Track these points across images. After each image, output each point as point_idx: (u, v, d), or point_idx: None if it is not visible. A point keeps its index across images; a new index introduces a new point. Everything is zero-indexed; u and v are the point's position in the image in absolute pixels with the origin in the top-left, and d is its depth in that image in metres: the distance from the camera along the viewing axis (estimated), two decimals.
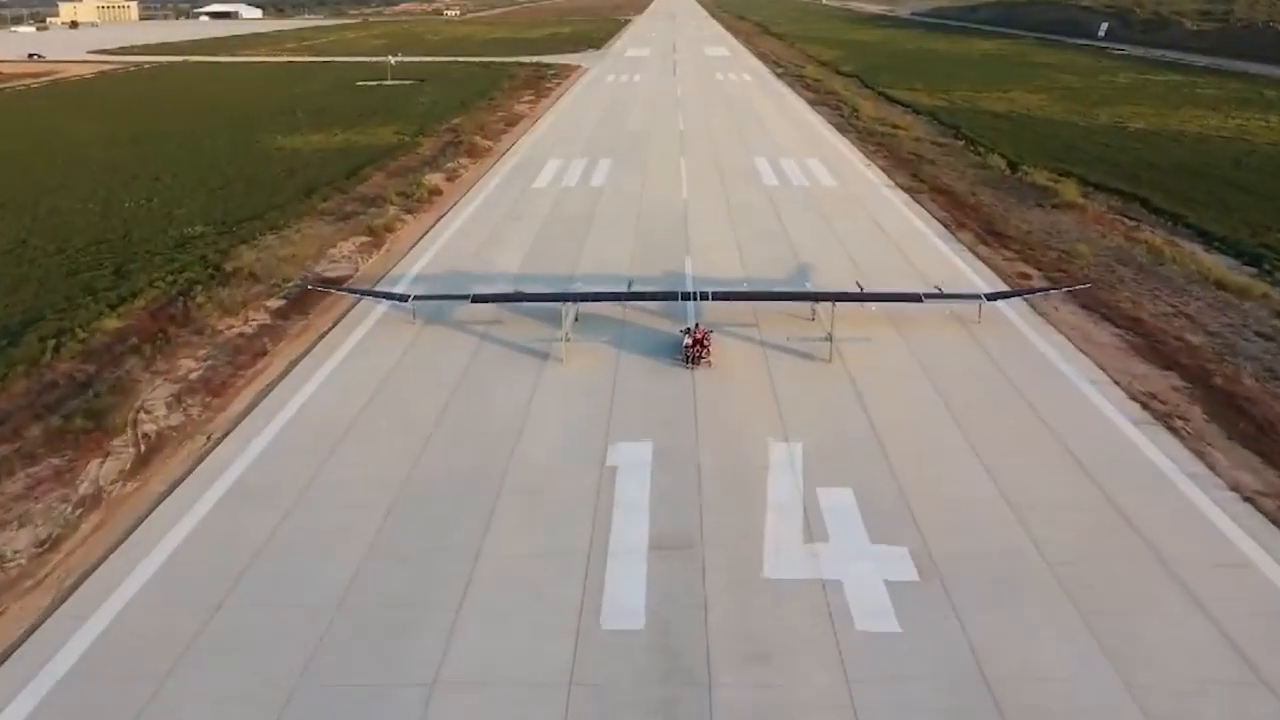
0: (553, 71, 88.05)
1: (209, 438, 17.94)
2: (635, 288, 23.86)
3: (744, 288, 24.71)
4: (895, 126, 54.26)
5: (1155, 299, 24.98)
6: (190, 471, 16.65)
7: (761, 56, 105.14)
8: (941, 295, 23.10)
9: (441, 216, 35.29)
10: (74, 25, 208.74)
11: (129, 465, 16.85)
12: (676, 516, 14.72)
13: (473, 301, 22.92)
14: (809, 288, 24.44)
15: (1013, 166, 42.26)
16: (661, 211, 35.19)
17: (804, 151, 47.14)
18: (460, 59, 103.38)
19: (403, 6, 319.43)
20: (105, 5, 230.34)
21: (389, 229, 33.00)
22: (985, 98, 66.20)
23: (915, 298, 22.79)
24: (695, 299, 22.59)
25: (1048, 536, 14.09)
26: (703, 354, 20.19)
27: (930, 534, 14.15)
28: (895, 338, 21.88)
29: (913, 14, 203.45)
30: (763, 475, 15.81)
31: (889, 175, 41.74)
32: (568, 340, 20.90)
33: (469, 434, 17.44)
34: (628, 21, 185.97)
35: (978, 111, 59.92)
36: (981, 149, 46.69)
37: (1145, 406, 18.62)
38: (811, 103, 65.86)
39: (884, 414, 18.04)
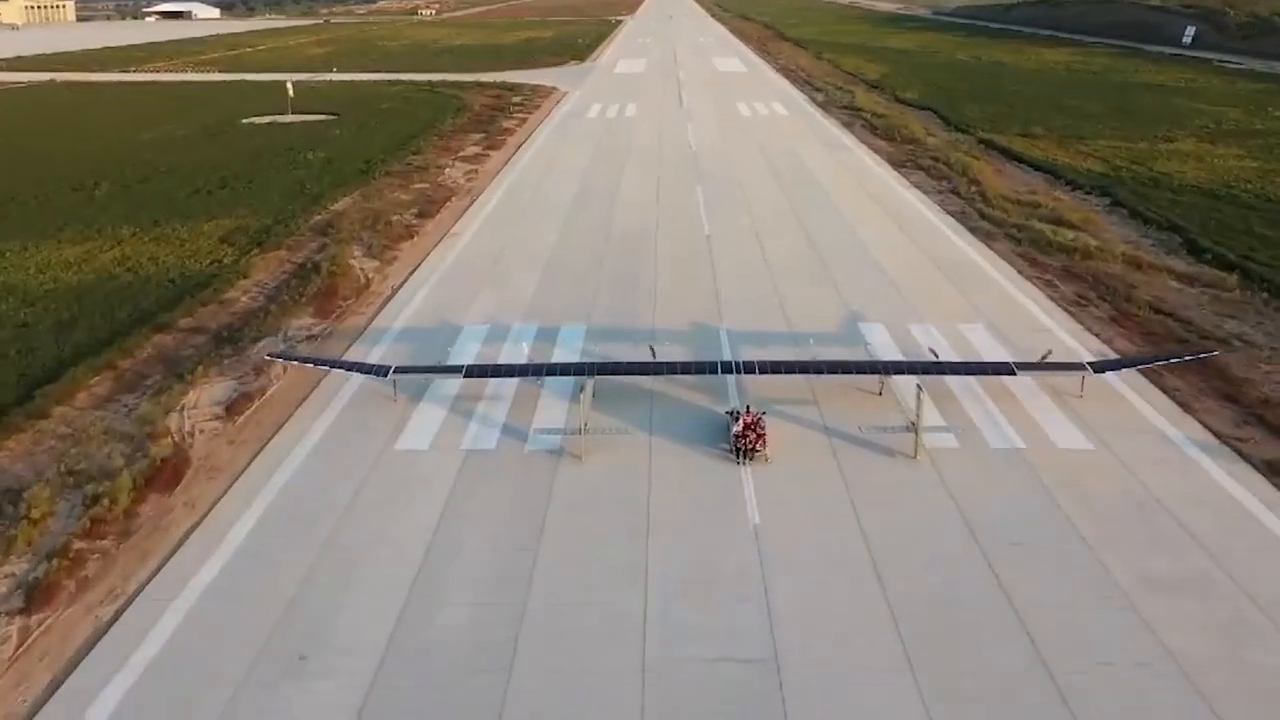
0: (518, 100, 65.75)
1: None
2: (664, 355, 20.01)
3: (796, 354, 20.44)
4: (1066, 224, 32.20)
5: None
6: None
7: (788, 73, 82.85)
8: (1037, 365, 19.27)
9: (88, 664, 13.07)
10: None
11: None
12: None
13: (466, 376, 19.36)
14: (870, 351, 20.79)
15: None
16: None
17: (944, 302, 25.04)
18: (406, 76, 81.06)
19: (378, 5, 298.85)
20: (35, 5, 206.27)
21: None
22: (1152, 154, 44.22)
23: (1007, 369, 19.18)
24: (739, 372, 19.17)
25: None
26: (757, 444, 16.57)
27: None
28: (988, 423, 17.98)
29: (935, 13, 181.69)
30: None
31: (1181, 389, 19.59)
32: (585, 430, 16.83)
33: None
34: (619, 22, 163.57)
35: (1165, 184, 38.00)
36: None
37: None
38: (895, 163, 43.58)
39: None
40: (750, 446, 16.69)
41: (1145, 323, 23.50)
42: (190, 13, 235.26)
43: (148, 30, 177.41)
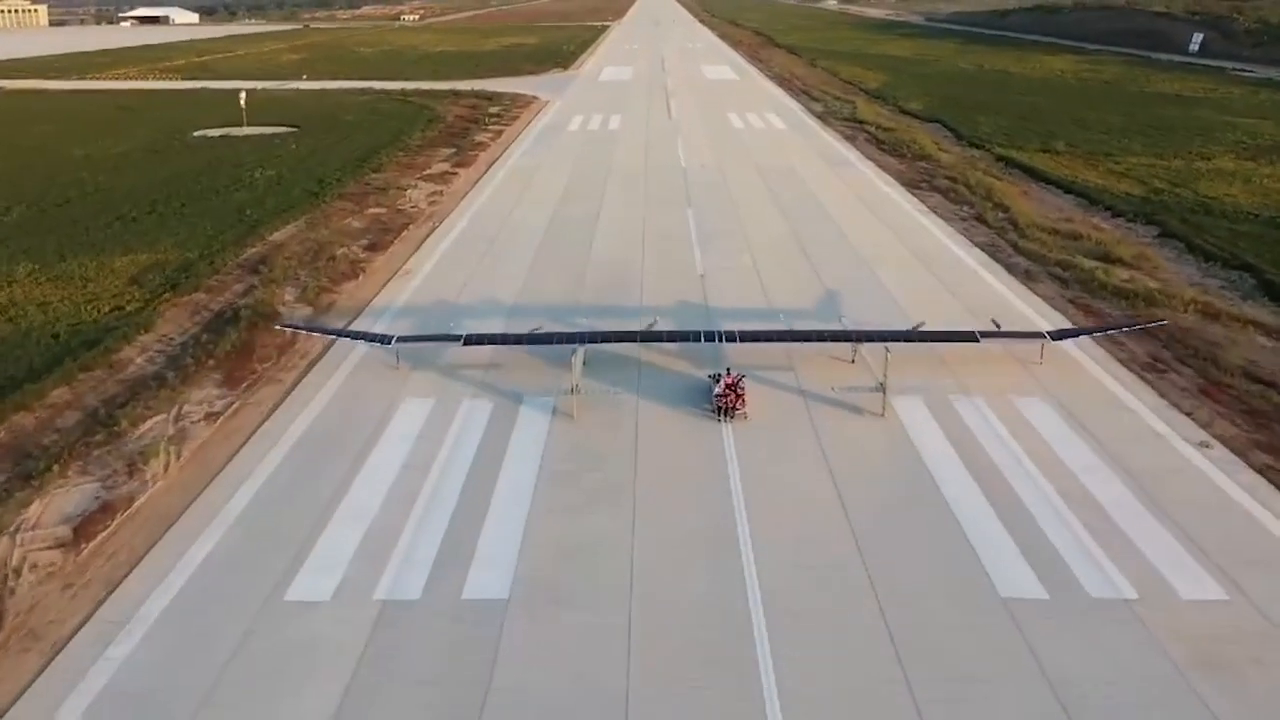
0: (495, 111, 61.17)
1: None
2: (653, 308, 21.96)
3: (775, 324, 21.81)
4: (1116, 261, 27.92)
5: None
6: None
7: (782, 82, 78.51)
8: (999, 334, 20.52)
9: None
10: None
11: None
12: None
13: (465, 344, 20.26)
14: (845, 323, 21.43)
15: None
16: None
17: (992, 366, 20.53)
18: (379, 84, 76.39)
19: (362, 10, 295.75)
20: (5, 9, 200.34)
21: None
22: (1191, 173, 40.02)
23: (971, 337, 20.40)
24: (721, 339, 20.15)
25: None
26: (737, 404, 17.68)
27: None
28: (951, 384, 19.21)
29: (928, 20, 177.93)
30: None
31: None
32: (577, 391, 17.90)
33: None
34: (605, 28, 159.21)
35: (1217, 210, 33.85)
36: None
37: None
38: (908, 184, 39.21)
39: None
40: (730, 405, 17.63)
41: (1244, 397, 19.07)
42: (168, 18, 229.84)
43: (119, 35, 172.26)
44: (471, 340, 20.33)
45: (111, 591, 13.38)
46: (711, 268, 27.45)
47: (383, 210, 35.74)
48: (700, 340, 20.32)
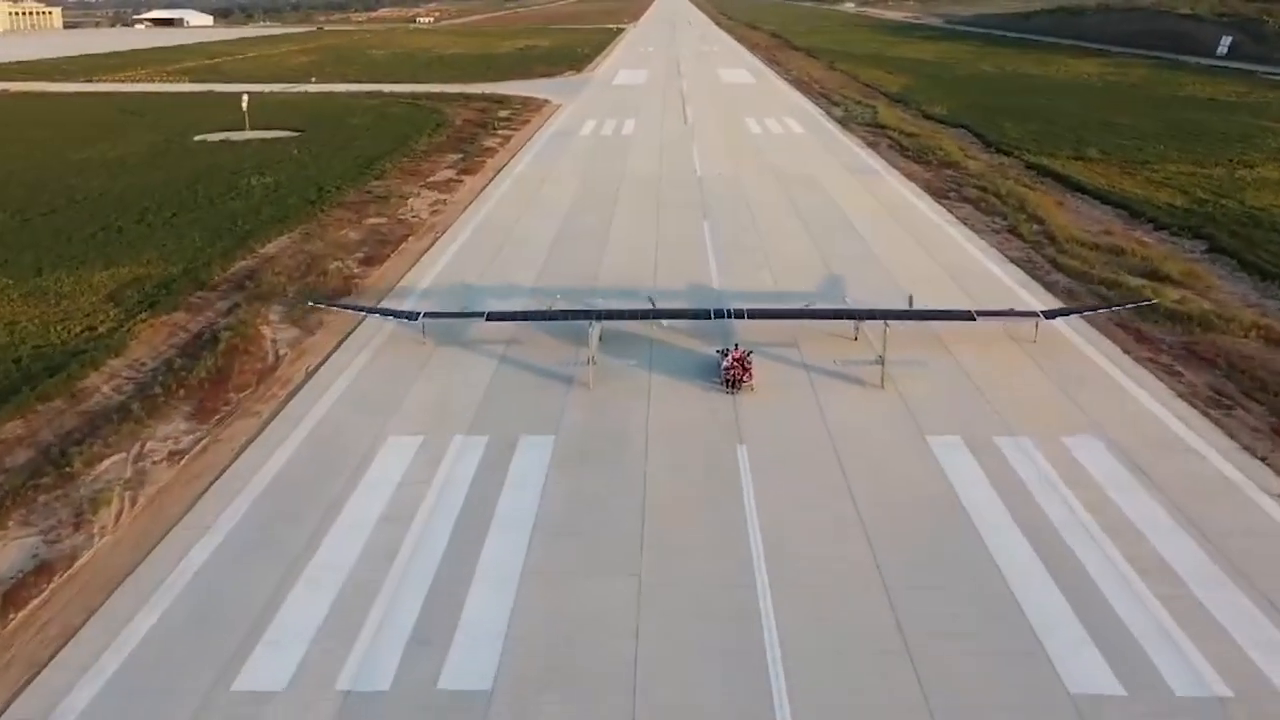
0: (505, 115, 59.42)
1: None
2: (663, 304, 22.15)
3: (780, 304, 22.64)
4: (1165, 280, 25.94)
5: None
6: None
7: (800, 86, 76.49)
8: (995, 313, 21.51)
9: None
10: None
11: None
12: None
13: (487, 320, 21.42)
14: (849, 303, 22.42)
15: None
16: None
17: (1037, 401, 18.74)
18: (389, 88, 74.89)
19: (377, 13, 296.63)
20: (19, 12, 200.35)
21: None
22: (1234, 182, 37.93)
23: (968, 315, 21.17)
24: (729, 317, 21.05)
25: None
26: (744, 376, 18.58)
27: None
28: (947, 360, 20.09)
29: (948, 22, 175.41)
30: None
31: None
32: (593, 363, 19.00)
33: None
34: (620, 31, 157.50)
35: (1267, 223, 31.79)
36: None
37: None
38: (935, 193, 37.26)
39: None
40: (738, 378, 18.45)
41: None
42: (182, 20, 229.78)
43: (132, 38, 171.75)
44: (494, 317, 21.36)
45: (35, 676, 11.60)
46: (730, 286, 25.52)
47: (382, 220, 34.04)
48: (710, 317, 21.18)
